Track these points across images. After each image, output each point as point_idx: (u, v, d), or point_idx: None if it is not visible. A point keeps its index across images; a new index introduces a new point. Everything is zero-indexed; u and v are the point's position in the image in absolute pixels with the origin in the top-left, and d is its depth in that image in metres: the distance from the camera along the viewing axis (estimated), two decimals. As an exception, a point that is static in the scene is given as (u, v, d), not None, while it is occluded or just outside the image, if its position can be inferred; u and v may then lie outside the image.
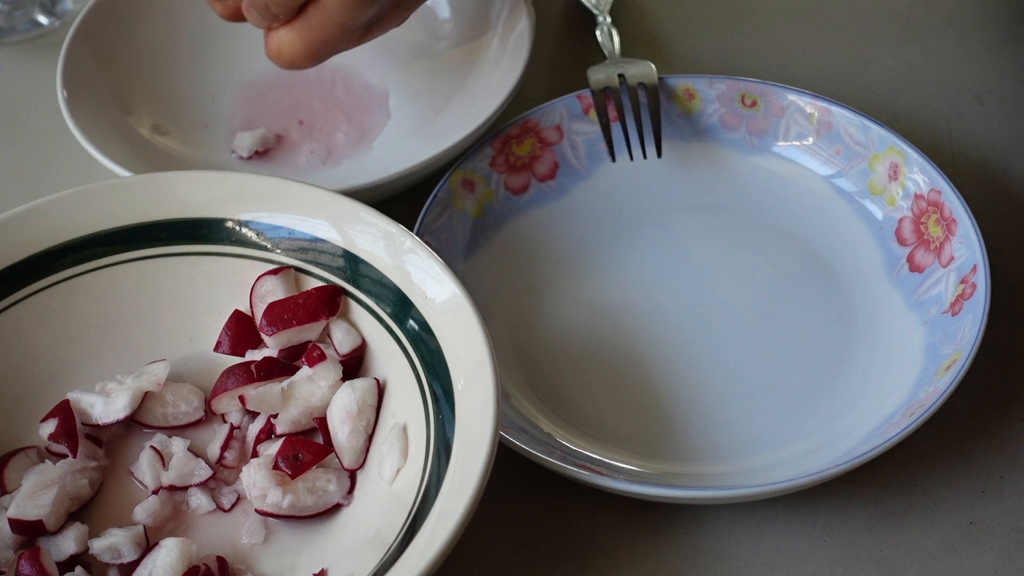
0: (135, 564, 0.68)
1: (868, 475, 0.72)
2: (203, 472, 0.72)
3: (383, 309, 0.73)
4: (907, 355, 0.76)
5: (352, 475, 0.71)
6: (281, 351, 0.74)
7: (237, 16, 0.81)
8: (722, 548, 0.71)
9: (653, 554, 0.70)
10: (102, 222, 0.76)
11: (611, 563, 0.70)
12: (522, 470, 0.72)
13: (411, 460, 0.69)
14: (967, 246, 0.77)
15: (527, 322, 0.80)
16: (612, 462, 0.73)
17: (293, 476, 0.70)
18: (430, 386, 0.69)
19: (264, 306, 0.74)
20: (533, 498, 0.73)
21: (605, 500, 0.72)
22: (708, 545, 0.71)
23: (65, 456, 0.71)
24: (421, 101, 0.95)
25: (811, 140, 0.86)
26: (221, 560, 0.68)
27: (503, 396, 0.72)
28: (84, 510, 0.71)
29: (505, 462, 0.70)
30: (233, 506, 0.72)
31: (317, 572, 0.67)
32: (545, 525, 0.72)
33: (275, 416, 0.73)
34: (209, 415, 0.75)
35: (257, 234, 0.76)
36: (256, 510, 0.70)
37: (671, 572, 0.70)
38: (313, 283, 0.75)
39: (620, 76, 0.88)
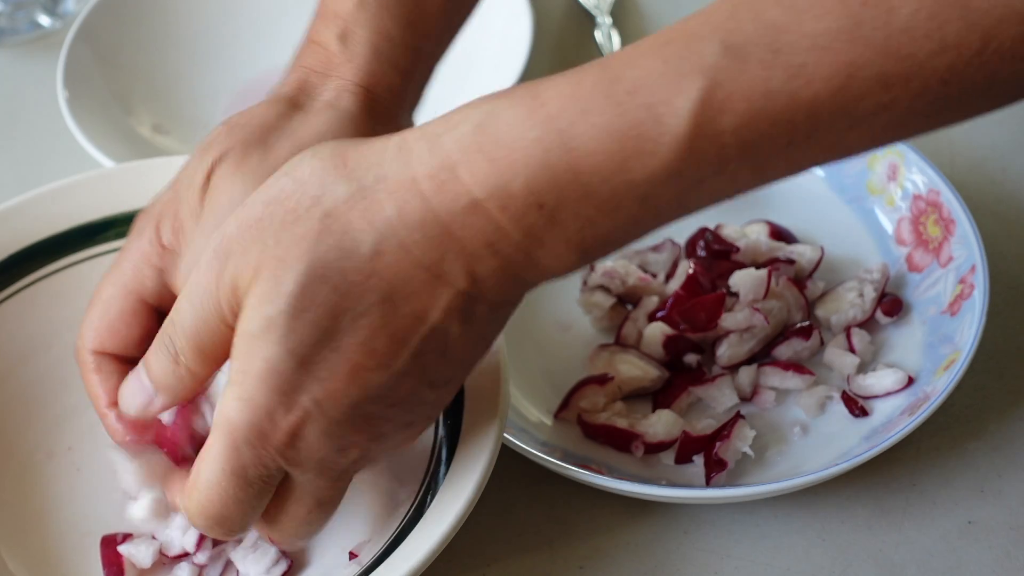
0: None
1: (867, 475, 0.72)
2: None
3: None
4: (906, 355, 0.76)
5: None
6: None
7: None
8: (722, 548, 0.71)
9: (653, 554, 0.71)
10: (113, 206, 0.76)
11: (611, 563, 0.70)
12: (522, 470, 0.72)
13: (413, 455, 0.69)
14: (966, 246, 0.77)
15: (527, 321, 0.81)
16: (612, 462, 0.73)
17: None
18: None
19: None
20: (532, 498, 0.73)
21: (605, 500, 0.72)
22: (708, 545, 0.71)
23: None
24: (421, 102, 0.95)
25: (810, 140, 0.85)
26: None
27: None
28: None
29: (505, 462, 0.70)
30: None
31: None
32: (545, 525, 0.72)
33: None
34: None
35: None
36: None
37: (671, 572, 0.70)
38: None
39: (620, 76, 0.88)
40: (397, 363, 0.54)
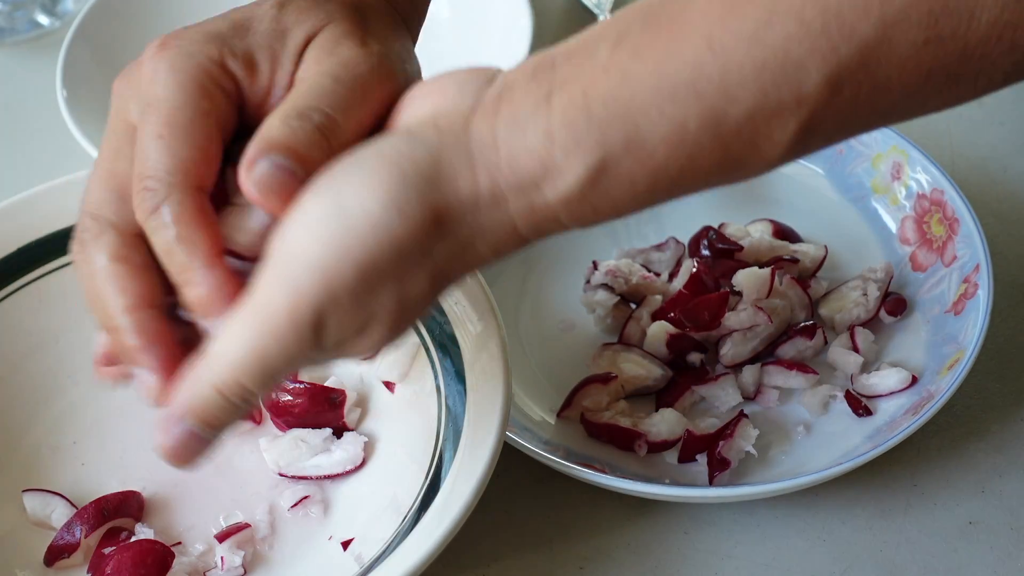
0: None
1: (868, 475, 0.72)
2: None
3: None
4: (909, 354, 0.76)
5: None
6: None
7: None
8: (722, 548, 0.71)
9: (653, 554, 0.70)
10: None
11: (611, 563, 0.70)
12: (523, 469, 0.72)
13: (416, 453, 0.69)
14: (969, 246, 0.77)
15: (530, 320, 0.80)
16: (615, 461, 0.73)
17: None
18: (440, 361, 0.70)
19: None
20: (533, 498, 0.73)
21: (606, 500, 0.72)
22: (708, 545, 0.71)
23: None
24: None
25: (812, 140, 0.85)
26: None
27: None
28: None
29: (507, 460, 0.70)
30: None
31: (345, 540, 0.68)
32: (545, 525, 0.72)
33: None
34: None
35: None
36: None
37: (671, 572, 0.70)
38: None
39: (621, 76, 0.88)
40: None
